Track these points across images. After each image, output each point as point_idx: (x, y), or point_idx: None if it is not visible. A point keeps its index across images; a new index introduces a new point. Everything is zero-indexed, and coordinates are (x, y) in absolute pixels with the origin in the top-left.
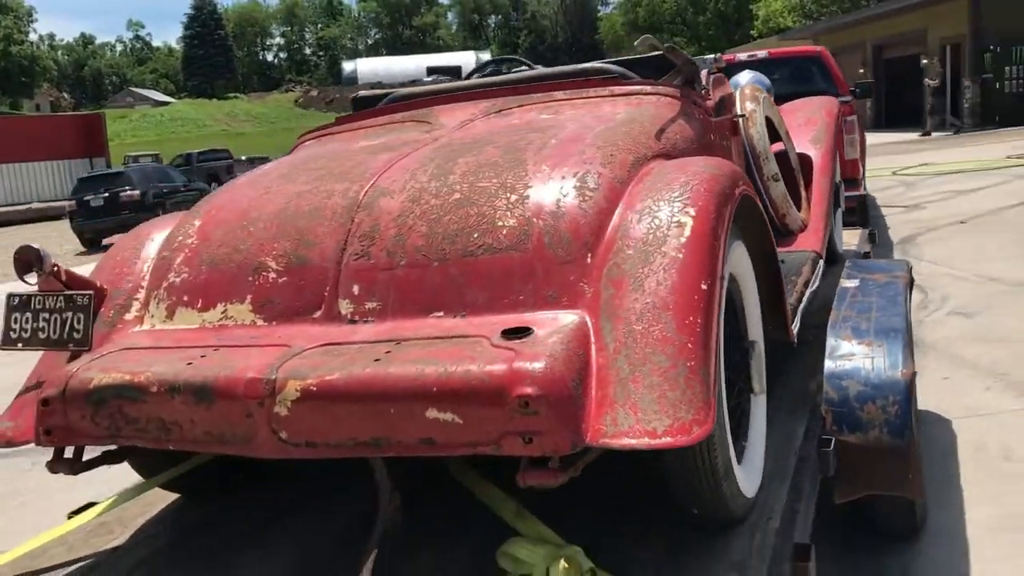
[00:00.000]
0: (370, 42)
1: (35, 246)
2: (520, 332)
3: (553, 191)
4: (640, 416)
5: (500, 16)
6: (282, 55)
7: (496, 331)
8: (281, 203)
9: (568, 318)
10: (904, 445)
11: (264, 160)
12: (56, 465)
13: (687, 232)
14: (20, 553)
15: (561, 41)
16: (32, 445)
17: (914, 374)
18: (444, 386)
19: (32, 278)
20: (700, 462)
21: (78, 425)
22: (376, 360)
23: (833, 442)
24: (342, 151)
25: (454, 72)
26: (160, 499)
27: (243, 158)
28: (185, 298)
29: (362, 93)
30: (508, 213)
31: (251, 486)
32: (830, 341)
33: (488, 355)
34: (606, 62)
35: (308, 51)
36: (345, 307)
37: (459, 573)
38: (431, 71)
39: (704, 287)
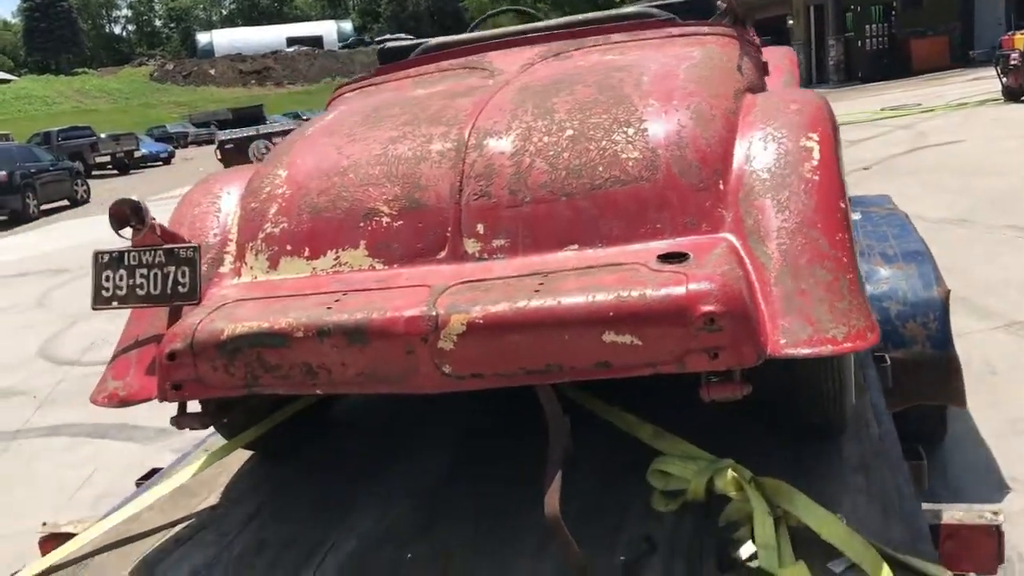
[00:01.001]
0: (224, 12)
1: (135, 199)
2: (677, 257)
3: (671, 123)
4: (817, 326)
5: None
6: (130, 27)
7: (649, 258)
8: (377, 149)
9: (718, 241)
10: (947, 357)
11: (130, 136)
12: (184, 420)
13: (816, 155)
14: (114, 522)
15: (423, 9)
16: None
17: (948, 291)
18: (621, 310)
19: (127, 233)
20: (831, 371)
21: (210, 377)
22: (536, 291)
23: (887, 358)
24: (409, 98)
25: (316, 42)
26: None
27: (103, 135)
28: (289, 247)
29: (389, 44)
30: (630, 146)
31: (318, 448)
32: (863, 267)
33: (658, 278)
34: (649, 5)
35: (158, 23)
36: (472, 246)
37: (611, 495)
38: (291, 41)
39: (842, 205)
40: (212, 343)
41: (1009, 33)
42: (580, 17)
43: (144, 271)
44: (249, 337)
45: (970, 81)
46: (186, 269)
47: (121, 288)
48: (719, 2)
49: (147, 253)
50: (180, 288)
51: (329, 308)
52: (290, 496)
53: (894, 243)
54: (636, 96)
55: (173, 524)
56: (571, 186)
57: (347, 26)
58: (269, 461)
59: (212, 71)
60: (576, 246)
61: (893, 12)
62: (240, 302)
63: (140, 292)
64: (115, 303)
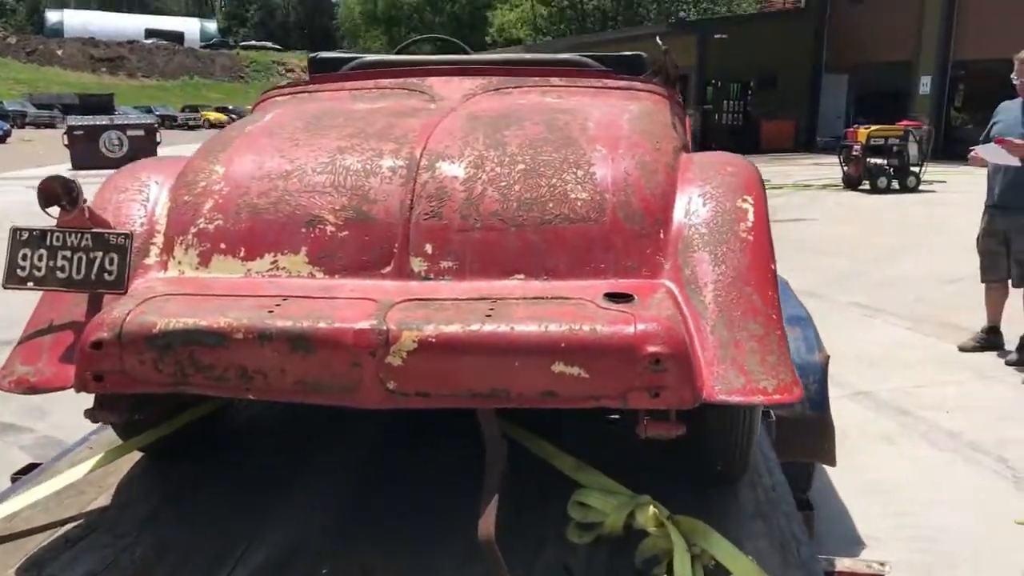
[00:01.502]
0: None
1: (67, 177)
2: (622, 297)
3: (618, 170)
4: (750, 377)
5: None
6: None
7: (595, 295)
8: (324, 157)
9: (658, 287)
10: (823, 418)
11: None
12: (100, 413)
13: (751, 217)
14: None
15: (293, 20)
16: None
17: (828, 357)
18: (572, 342)
19: (54, 212)
20: (744, 421)
21: (135, 370)
22: (487, 315)
23: (772, 414)
24: (351, 110)
25: (177, 37)
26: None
27: None
28: (222, 245)
29: (322, 55)
30: (579, 187)
31: (218, 452)
32: None
33: (607, 315)
34: (582, 55)
35: None
36: (418, 265)
37: (529, 522)
38: (149, 33)
39: (772, 266)
40: (142, 335)
41: (854, 126)
42: (518, 57)
43: (67, 253)
44: (184, 333)
45: (813, 166)
46: (115, 256)
47: (39, 268)
48: (658, 59)
49: (73, 235)
50: (106, 275)
51: (271, 312)
52: (190, 500)
53: None
54: (584, 140)
55: (62, 523)
56: (522, 218)
57: (211, 26)
58: (162, 463)
59: (60, 52)
60: (522, 276)
61: (750, 91)
62: (170, 296)
63: (61, 275)
64: (31, 283)
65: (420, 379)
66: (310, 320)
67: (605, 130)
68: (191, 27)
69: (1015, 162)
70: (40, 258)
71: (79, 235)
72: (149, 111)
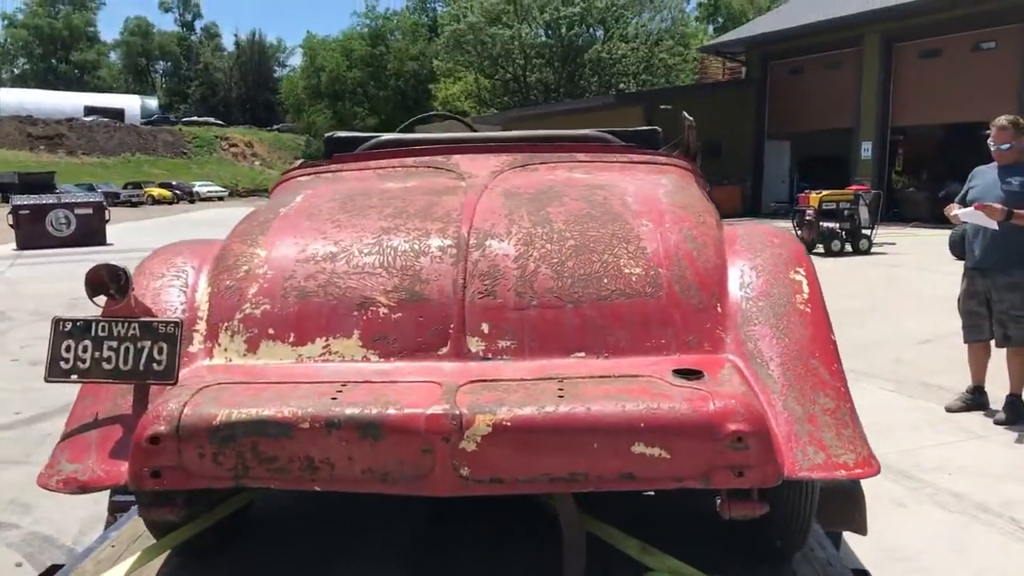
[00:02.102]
0: (16, 71)
1: (115, 264)
2: (691, 373)
3: (668, 244)
4: (829, 452)
5: (169, 63)
6: None
7: (662, 371)
8: (369, 238)
9: (722, 361)
10: (857, 489)
11: None
12: (156, 511)
13: (806, 289)
14: None
15: (235, 96)
16: None
17: None
18: (652, 422)
19: (101, 300)
20: (807, 496)
21: (194, 465)
22: (560, 396)
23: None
24: (383, 190)
25: (117, 115)
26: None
27: None
28: (271, 331)
29: (338, 134)
30: (632, 261)
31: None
32: None
33: (683, 393)
34: (601, 131)
35: None
36: (475, 344)
37: None
38: (90, 111)
39: (833, 337)
40: (202, 428)
41: (805, 191)
42: (538, 133)
43: (114, 344)
44: (246, 424)
45: None
46: (164, 345)
47: (84, 360)
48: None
49: (119, 325)
50: (155, 366)
51: (334, 398)
52: None
53: None
54: (628, 215)
55: None
56: (578, 294)
57: (152, 103)
58: (193, 560)
59: None
60: (583, 353)
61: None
62: (223, 385)
63: (107, 366)
64: (74, 376)
65: (495, 465)
66: (378, 406)
67: (645, 204)
68: (131, 104)
69: (992, 225)
70: (85, 349)
71: (126, 324)
72: (92, 188)
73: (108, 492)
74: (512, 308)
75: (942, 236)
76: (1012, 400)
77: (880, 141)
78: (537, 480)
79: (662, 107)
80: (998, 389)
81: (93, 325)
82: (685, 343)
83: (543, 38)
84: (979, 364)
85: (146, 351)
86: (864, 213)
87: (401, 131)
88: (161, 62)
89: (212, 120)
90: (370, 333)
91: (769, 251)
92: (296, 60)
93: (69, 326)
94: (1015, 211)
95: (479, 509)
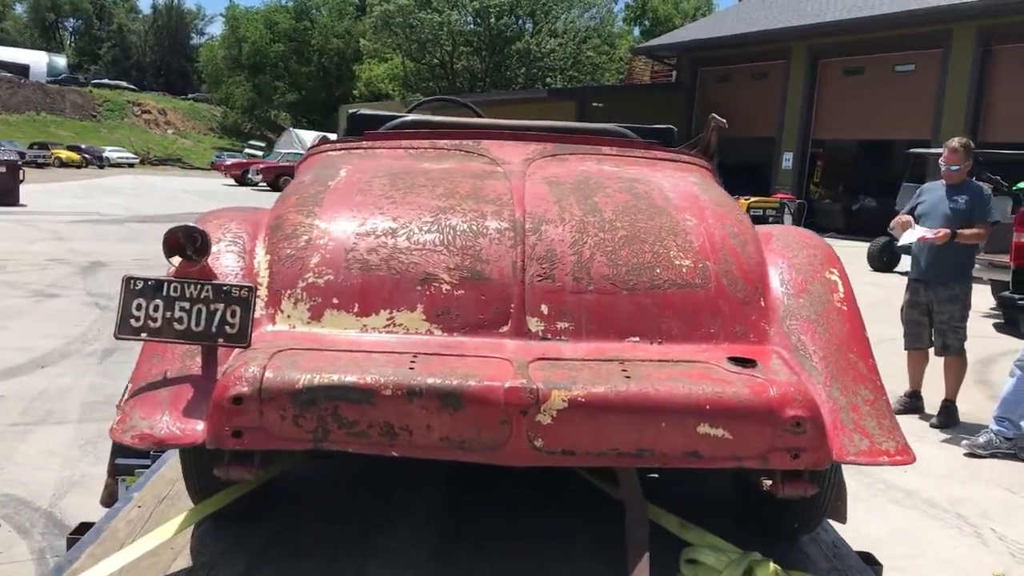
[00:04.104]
0: None
1: (192, 226)
2: (745, 361)
3: (713, 238)
4: (873, 439)
5: (81, 21)
6: None
7: (716, 358)
8: (427, 216)
9: (770, 352)
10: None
11: None
12: (233, 470)
13: (841, 288)
14: None
15: (149, 61)
16: None
17: None
18: (717, 404)
19: (175, 261)
20: (831, 481)
21: (275, 427)
22: (627, 376)
23: None
24: (423, 169)
25: (22, 71)
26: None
27: None
28: (335, 300)
29: (362, 111)
30: (681, 253)
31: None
32: None
33: (743, 379)
34: (621, 126)
35: None
36: (535, 325)
37: None
38: None
39: (866, 335)
40: (285, 391)
41: (735, 197)
42: (562, 124)
43: (186, 305)
44: (329, 389)
45: None
46: (237, 309)
47: (155, 319)
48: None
49: (192, 286)
50: (228, 328)
51: (412, 368)
52: (274, 565)
53: None
54: (671, 209)
55: None
56: (632, 282)
57: (60, 61)
58: (226, 522)
59: None
60: (637, 338)
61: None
62: (297, 350)
63: (179, 327)
64: (144, 334)
65: (567, 438)
66: (458, 377)
67: (686, 200)
68: (38, 60)
69: (931, 236)
70: (156, 309)
71: (198, 286)
72: None
73: (110, 454)
74: (570, 292)
75: (858, 247)
76: (947, 405)
77: (801, 152)
78: (606, 454)
79: (594, 104)
80: (932, 394)
81: (165, 285)
82: (733, 333)
83: (472, 26)
84: (917, 370)
85: (219, 314)
86: (788, 221)
87: (410, 111)
88: (72, 19)
89: (124, 84)
90: (433, 308)
91: (805, 251)
92: (215, 29)
93: (140, 285)
94: (959, 232)
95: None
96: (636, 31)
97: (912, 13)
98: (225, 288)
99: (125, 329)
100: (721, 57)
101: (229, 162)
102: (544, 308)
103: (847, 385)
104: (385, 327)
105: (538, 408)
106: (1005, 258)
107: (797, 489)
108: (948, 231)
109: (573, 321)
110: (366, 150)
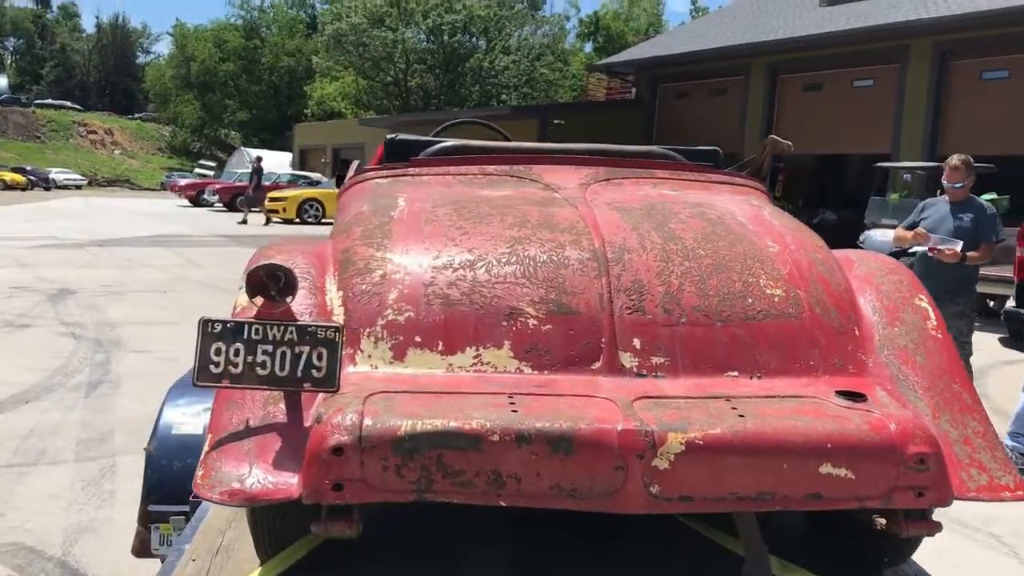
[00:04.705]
0: None
1: (277, 264)
2: (855, 396)
3: (800, 265)
4: (991, 474)
5: (21, 40)
6: None
7: (823, 393)
8: (503, 247)
9: (873, 385)
10: None
11: None
12: (334, 526)
13: (932, 316)
14: None
15: (94, 81)
16: None
17: None
18: (839, 442)
19: (258, 302)
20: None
21: (376, 478)
22: (740, 415)
23: None
24: (484, 197)
25: None
26: None
27: None
28: (417, 338)
29: (400, 136)
30: (771, 282)
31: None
32: None
33: (860, 415)
34: (667, 148)
35: None
36: (628, 360)
37: None
38: None
39: (962, 364)
40: (387, 439)
41: None
42: (605, 147)
43: (268, 348)
44: (433, 436)
45: None
46: (323, 351)
47: (236, 365)
48: (759, 156)
49: (274, 328)
50: (314, 372)
51: (515, 411)
52: None
53: None
54: (750, 235)
55: None
56: (725, 313)
57: (1, 81)
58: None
59: None
60: (735, 372)
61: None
62: (389, 394)
63: (261, 372)
64: (226, 381)
65: (685, 483)
66: (567, 420)
67: (761, 225)
68: None
69: (943, 249)
70: (236, 353)
71: (282, 328)
72: None
73: (140, 500)
74: (662, 324)
75: None
76: None
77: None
78: (725, 499)
79: (556, 121)
80: None
81: (246, 327)
82: (832, 365)
83: (425, 44)
84: None
85: (304, 356)
86: None
87: (436, 135)
88: (12, 39)
89: (69, 104)
90: (521, 344)
91: (890, 277)
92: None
93: (219, 328)
94: (968, 254)
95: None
96: (588, 47)
97: (869, 29)
98: (311, 329)
99: (204, 376)
100: (680, 73)
101: (183, 183)
102: (636, 342)
103: (956, 417)
104: (472, 366)
105: (654, 452)
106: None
107: (923, 528)
108: (958, 251)
109: (668, 356)
110: (413, 177)
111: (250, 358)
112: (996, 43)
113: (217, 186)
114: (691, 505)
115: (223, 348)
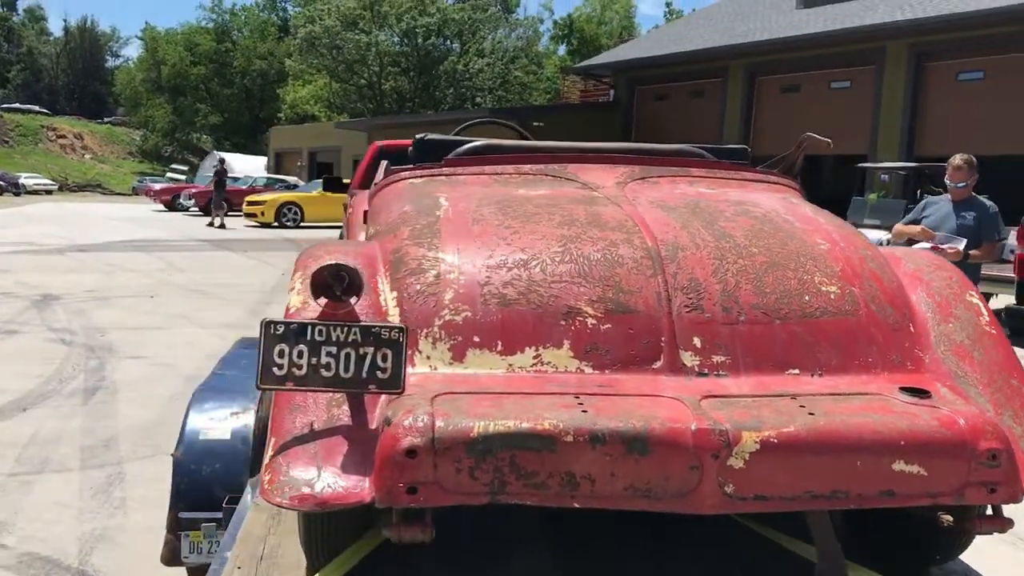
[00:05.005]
0: None
1: (343, 264)
2: (919, 392)
3: (851, 262)
4: None
5: None
6: None
7: (886, 389)
8: (555, 246)
9: (930, 380)
10: None
11: None
12: (407, 530)
13: (984, 311)
14: None
15: (62, 84)
16: None
17: None
18: (911, 439)
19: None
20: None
21: (449, 480)
22: (810, 413)
23: None
24: (525, 196)
25: None
26: None
27: None
28: (476, 339)
29: (430, 136)
30: (826, 279)
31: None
32: None
33: (930, 412)
34: (696, 146)
35: None
36: (689, 359)
37: None
38: None
39: (1018, 359)
40: (460, 441)
41: None
42: (636, 146)
43: (332, 349)
44: (506, 437)
45: None
46: (388, 352)
47: (300, 367)
48: (794, 154)
49: (338, 329)
50: (379, 374)
51: (585, 412)
52: None
53: None
54: (799, 232)
55: None
56: (783, 310)
57: None
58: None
59: None
60: (796, 370)
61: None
62: (455, 395)
63: (326, 374)
64: (290, 383)
65: (760, 482)
66: (641, 420)
67: (807, 222)
68: None
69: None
70: (300, 355)
71: (345, 329)
72: None
73: (169, 507)
74: (721, 323)
75: None
76: None
77: None
78: (799, 498)
79: (535, 124)
80: None
81: (309, 329)
82: (890, 362)
83: (399, 47)
84: None
85: (369, 358)
86: None
87: (457, 134)
88: None
89: (36, 108)
90: (580, 344)
91: (939, 273)
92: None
93: (281, 329)
94: (971, 252)
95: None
96: (562, 50)
97: (846, 31)
98: (374, 329)
99: (268, 379)
100: (658, 76)
101: (158, 187)
102: (696, 341)
103: (1018, 413)
104: (532, 366)
105: (729, 451)
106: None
107: (996, 525)
108: (960, 249)
109: (729, 354)
110: (448, 177)
111: (314, 360)
112: (971, 45)
113: (193, 190)
114: (765, 504)
115: (286, 350)
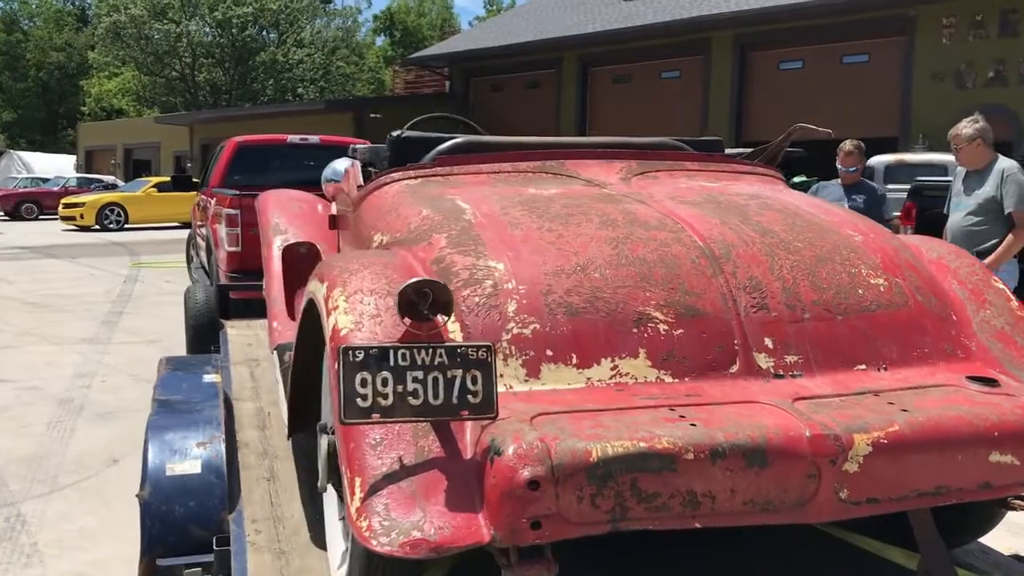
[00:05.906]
0: None
1: (429, 279)
2: (987, 381)
3: (888, 253)
4: None
5: None
6: None
7: (954, 380)
8: (607, 248)
9: (987, 368)
10: None
11: None
12: (531, 569)
13: (1012, 296)
14: None
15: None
16: None
17: None
18: (1005, 430)
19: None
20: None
21: (572, 511)
22: (903, 410)
23: None
24: (546, 196)
25: None
26: None
27: None
28: (548, 352)
29: (407, 134)
30: (872, 272)
31: None
32: None
33: (1011, 401)
34: (677, 139)
35: None
36: (763, 361)
37: None
38: None
39: None
40: (580, 467)
41: None
42: (624, 140)
43: (419, 374)
44: (626, 459)
45: None
46: (478, 374)
47: (386, 396)
48: (794, 147)
49: (423, 351)
50: (470, 398)
51: (694, 426)
52: None
53: None
54: (830, 225)
55: None
56: (842, 306)
57: None
58: None
59: None
60: (863, 366)
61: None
62: (552, 416)
63: (414, 401)
64: (376, 415)
65: (872, 484)
66: (755, 431)
67: (830, 215)
68: None
69: None
70: (384, 383)
71: (430, 351)
72: None
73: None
74: (788, 321)
75: None
76: None
77: None
78: (907, 497)
79: (372, 115)
80: None
81: (391, 353)
82: (943, 351)
83: (212, 36)
84: None
85: (458, 381)
86: None
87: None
88: None
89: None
90: (656, 351)
91: (960, 260)
92: None
93: (361, 355)
94: None
95: None
96: (380, 41)
97: (674, 23)
98: (461, 350)
99: (352, 412)
100: (493, 67)
101: None
102: (768, 342)
103: None
104: (611, 378)
105: (845, 456)
106: None
107: None
108: None
109: (799, 353)
110: (445, 177)
111: (400, 387)
112: (791, 36)
113: (0, 193)
114: (877, 507)
115: (369, 378)
